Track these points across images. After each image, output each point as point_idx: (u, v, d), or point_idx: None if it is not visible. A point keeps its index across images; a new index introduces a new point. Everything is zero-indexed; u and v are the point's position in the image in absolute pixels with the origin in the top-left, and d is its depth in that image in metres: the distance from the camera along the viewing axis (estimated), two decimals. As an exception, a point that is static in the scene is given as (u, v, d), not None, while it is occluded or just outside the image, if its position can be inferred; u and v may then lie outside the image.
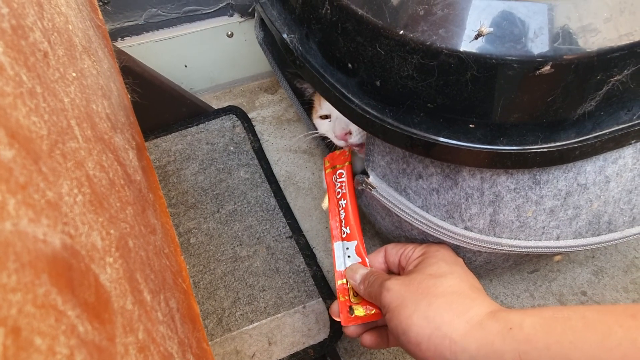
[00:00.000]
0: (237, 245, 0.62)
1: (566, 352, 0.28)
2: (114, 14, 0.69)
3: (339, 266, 0.48)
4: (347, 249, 0.48)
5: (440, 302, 0.36)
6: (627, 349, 0.26)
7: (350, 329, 0.45)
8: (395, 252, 0.46)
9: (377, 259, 0.48)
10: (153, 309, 0.25)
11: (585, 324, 0.28)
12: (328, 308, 0.50)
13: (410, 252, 0.44)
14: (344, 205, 0.50)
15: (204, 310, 0.56)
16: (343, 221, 0.50)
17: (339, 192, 0.51)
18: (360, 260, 0.47)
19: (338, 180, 0.52)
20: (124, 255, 0.24)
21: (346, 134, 0.51)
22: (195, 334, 0.34)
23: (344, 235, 0.49)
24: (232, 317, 0.56)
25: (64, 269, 0.16)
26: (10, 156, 0.15)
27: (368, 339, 0.44)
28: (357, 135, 0.51)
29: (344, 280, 0.47)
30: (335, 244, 0.49)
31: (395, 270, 0.47)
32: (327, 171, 0.54)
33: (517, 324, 0.31)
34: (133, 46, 0.72)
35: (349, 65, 0.37)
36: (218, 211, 0.66)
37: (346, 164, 0.53)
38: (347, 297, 0.46)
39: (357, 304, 0.45)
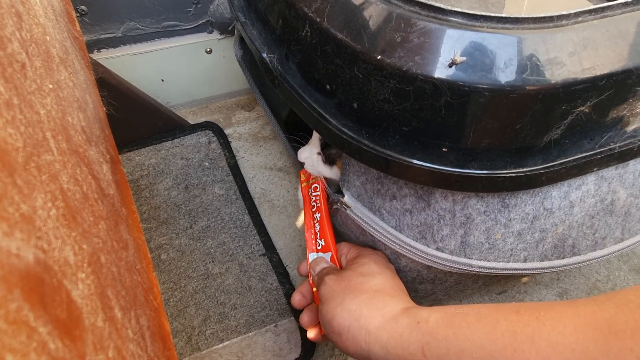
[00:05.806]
0: (210, 262, 0.61)
1: (460, 343, 0.31)
2: (92, 26, 0.68)
3: None
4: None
5: (364, 297, 0.39)
6: (508, 339, 0.29)
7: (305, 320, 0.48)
8: (341, 250, 0.50)
9: None
10: (124, 327, 0.25)
11: (478, 319, 0.32)
12: (290, 299, 0.52)
13: (350, 254, 0.48)
14: (318, 219, 0.51)
15: (173, 328, 0.55)
16: (318, 234, 0.51)
17: (313, 205, 0.52)
18: None
19: (313, 194, 0.52)
20: (96, 271, 0.23)
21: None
22: (165, 353, 0.33)
23: (318, 247, 0.51)
24: (202, 336, 0.55)
25: (36, 285, 0.15)
26: (-14, 168, 0.15)
27: (306, 317, 0.48)
28: (309, 168, 0.51)
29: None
30: (310, 254, 0.51)
31: (339, 266, 0.50)
32: (302, 185, 0.54)
33: (424, 318, 0.34)
34: (109, 58, 0.72)
35: (327, 86, 0.38)
36: (191, 227, 0.65)
37: (319, 177, 0.53)
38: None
39: None
